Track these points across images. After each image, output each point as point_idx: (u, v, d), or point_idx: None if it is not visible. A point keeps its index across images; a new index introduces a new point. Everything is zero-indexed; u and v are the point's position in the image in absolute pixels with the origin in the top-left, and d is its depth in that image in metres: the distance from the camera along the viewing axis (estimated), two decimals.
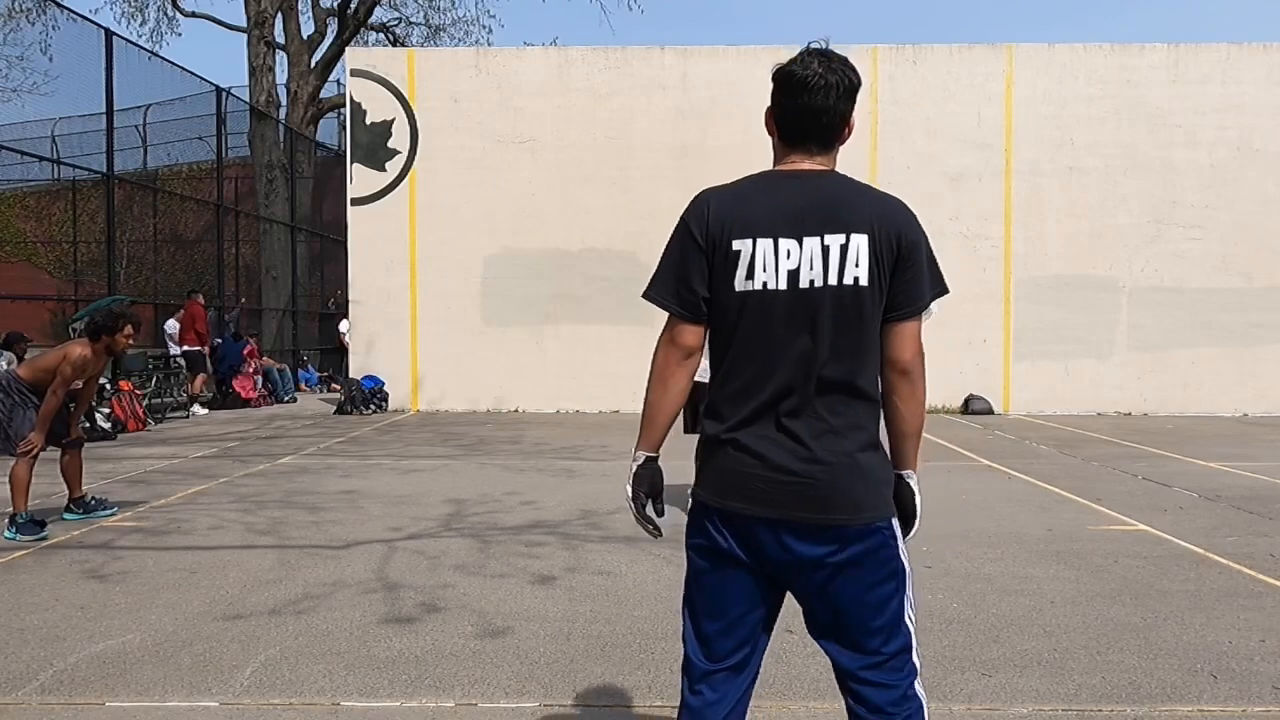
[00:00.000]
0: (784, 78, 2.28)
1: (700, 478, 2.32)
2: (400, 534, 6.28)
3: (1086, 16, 72.68)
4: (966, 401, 14.75)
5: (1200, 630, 4.34)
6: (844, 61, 2.34)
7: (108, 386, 12.28)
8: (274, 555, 5.72)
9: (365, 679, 3.73)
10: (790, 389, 2.16)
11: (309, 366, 20.71)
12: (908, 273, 2.23)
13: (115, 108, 14.13)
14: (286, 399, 17.02)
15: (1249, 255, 14.94)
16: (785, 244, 2.16)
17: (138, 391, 12.85)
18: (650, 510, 2.45)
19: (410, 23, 26.85)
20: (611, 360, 14.99)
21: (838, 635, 2.30)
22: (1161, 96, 14.95)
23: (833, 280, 2.15)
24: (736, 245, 2.17)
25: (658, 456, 2.42)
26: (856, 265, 2.16)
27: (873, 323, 2.23)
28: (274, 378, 16.96)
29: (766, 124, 2.34)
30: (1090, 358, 15.01)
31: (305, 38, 22.60)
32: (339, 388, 17.23)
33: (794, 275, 2.15)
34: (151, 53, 16.86)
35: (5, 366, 10.31)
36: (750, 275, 2.16)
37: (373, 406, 14.80)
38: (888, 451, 2.35)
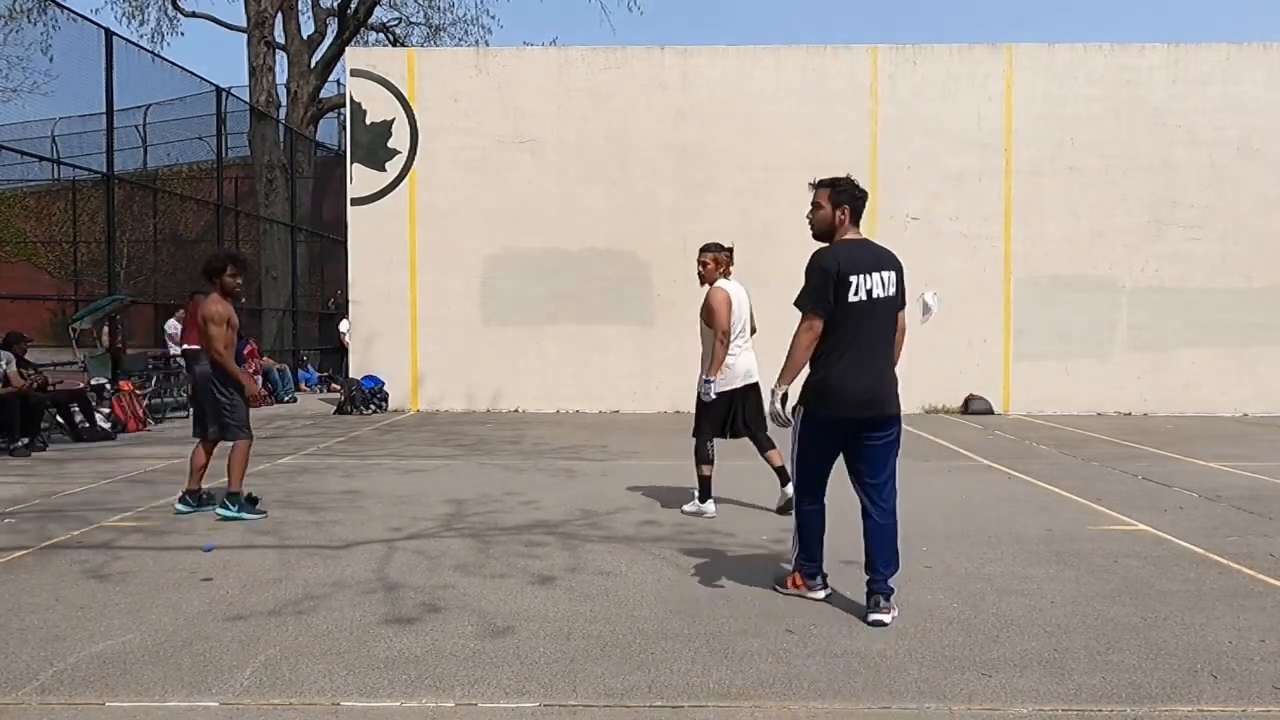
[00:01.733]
0: (860, 193, 4.61)
1: (819, 397, 4.49)
2: (400, 534, 6.28)
3: (1086, 16, 72.67)
4: (966, 401, 14.74)
5: (1200, 630, 4.34)
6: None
7: (108, 386, 12.28)
8: (274, 555, 5.72)
9: (365, 679, 3.73)
10: (870, 345, 4.45)
11: (309, 366, 20.69)
12: (902, 290, 4.59)
13: (115, 108, 14.12)
14: (286, 399, 17.02)
15: (1249, 255, 14.94)
16: (870, 276, 4.43)
17: (138, 391, 12.85)
18: (786, 412, 4.53)
19: (410, 23, 26.86)
20: (611, 360, 15.00)
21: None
22: (1161, 96, 14.95)
23: (887, 294, 4.48)
24: (851, 278, 4.39)
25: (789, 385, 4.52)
26: (894, 287, 4.51)
27: (897, 314, 4.58)
28: (274, 378, 16.95)
29: (836, 215, 4.58)
30: (1090, 358, 15.00)
31: (305, 38, 22.60)
32: (339, 388, 17.22)
33: (870, 290, 4.43)
34: (152, 53, 16.86)
35: (4, 367, 10.31)
36: (856, 292, 4.40)
37: (373, 406, 14.80)
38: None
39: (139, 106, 17.14)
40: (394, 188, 15.23)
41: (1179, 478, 8.66)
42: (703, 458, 6.87)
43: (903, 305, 4.57)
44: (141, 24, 25.03)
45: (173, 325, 15.30)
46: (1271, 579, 5.22)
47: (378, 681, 3.71)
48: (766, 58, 15.21)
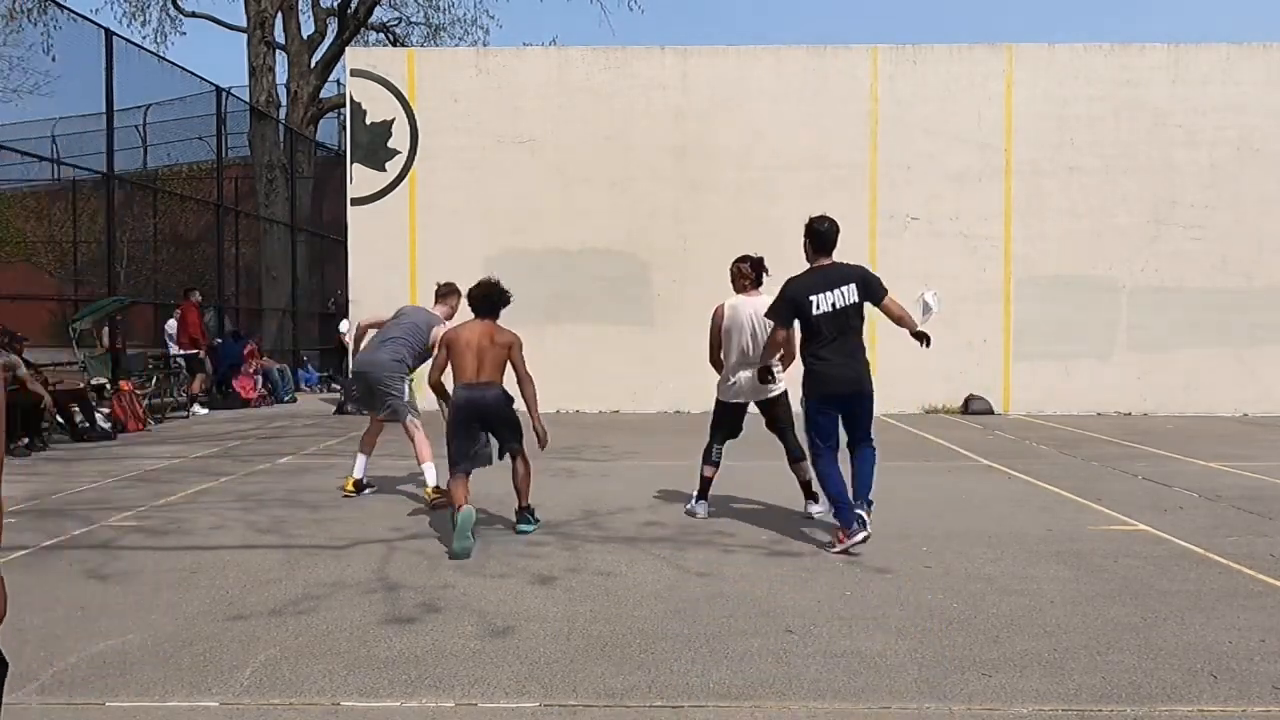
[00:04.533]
0: (816, 230, 6.04)
1: (812, 385, 5.98)
2: (401, 534, 6.29)
3: (1086, 16, 72.63)
4: (966, 401, 14.74)
5: (1200, 630, 4.34)
6: (835, 220, 6.10)
7: (108, 387, 12.28)
8: (275, 555, 5.72)
9: (365, 679, 3.73)
10: (842, 343, 5.92)
11: (309, 366, 20.69)
12: (870, 286, 6.00)
13: (115, 108, 14.14)
14: (286, 399, 17.01)
15: (1249, 255, 14.93)
16: (828, 294, 5.87)
17: (138, 391, 12.85)
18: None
19: (410, 23, 26.89)
20: (611, 360, 14.99)
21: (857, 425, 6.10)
22: (1161, 96, 14.94)
23: (846, 302, 5.89)
24: (811, 298, 5.87)
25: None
26: (852, 296, 5.91)
27: (862, 313, 6.00)
28: (274, 378, 16.95)
29: (805, 245, 6.11)
30: (1090, 358, 15.00)
31: (305, 38, 22.60)
32: (339, 388, 17.21)
33: (833, 303, 5.86)
34: (152, 53, 16.87)
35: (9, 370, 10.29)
36: (818, 307, 5.85)
37: None
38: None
39: (139, 106, 17.14)
40: (394, 188, 15.23)
41: (1179, 478, 8.66)
42: (706, 459, 6.90)
43: (880, 298, 5.95)
44: (143, 24, 25.09)
45: (173, 325, 15.29)
46: (1271, 579, 5.22)
47: (378, 681, 3.71)
48: (766, 58, 15.20)
